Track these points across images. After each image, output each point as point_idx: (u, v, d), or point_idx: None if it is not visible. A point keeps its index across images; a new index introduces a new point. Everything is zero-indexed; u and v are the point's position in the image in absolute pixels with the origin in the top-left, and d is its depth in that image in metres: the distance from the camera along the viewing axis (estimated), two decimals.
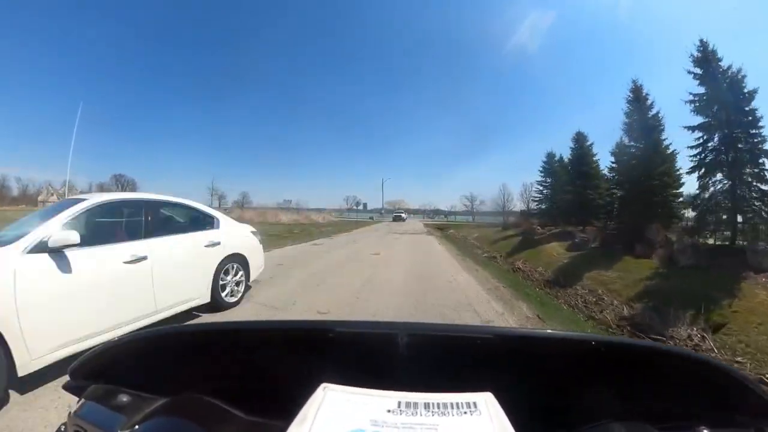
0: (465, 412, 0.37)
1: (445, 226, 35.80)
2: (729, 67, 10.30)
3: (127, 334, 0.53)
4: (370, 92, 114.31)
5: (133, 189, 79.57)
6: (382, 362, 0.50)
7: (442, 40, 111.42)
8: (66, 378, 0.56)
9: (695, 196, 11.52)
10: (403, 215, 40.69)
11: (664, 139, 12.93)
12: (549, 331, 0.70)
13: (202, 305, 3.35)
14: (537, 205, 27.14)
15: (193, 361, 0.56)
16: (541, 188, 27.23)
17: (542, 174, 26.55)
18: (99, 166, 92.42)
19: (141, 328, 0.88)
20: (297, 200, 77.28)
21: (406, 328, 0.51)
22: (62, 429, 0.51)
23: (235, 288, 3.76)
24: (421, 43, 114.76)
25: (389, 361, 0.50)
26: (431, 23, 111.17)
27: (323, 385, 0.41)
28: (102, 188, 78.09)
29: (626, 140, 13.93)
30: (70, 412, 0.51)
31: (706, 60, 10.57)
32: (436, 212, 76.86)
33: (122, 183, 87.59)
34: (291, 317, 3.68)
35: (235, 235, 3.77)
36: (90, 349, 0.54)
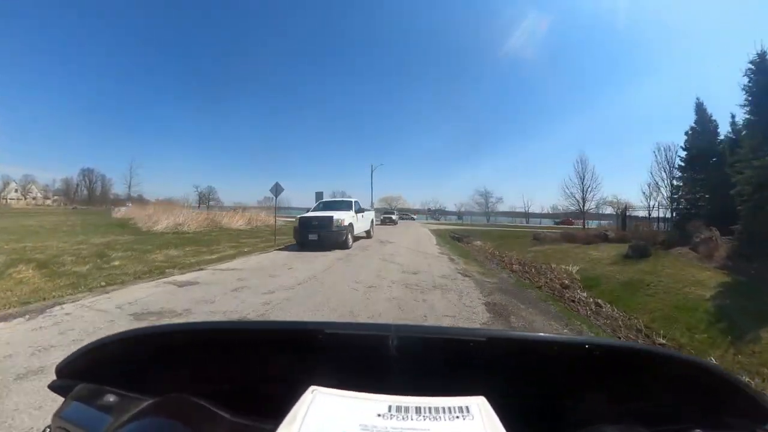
0: (457, 417, 0.39)
1: (463, 232, 24.52)
2: None
3: (115, 333, 0.61)
4: (368, 88, 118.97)
5: (104, 185, 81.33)
6: (372, 365, 0.54)
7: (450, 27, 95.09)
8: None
9: None
10: (342, 217, 12.33)
11: None
12: (542, 334, 0.74)
13: None
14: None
15: (181, 361, 0.61)
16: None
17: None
18: (68, 159, 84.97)
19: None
20: (278, 198, 64.27)
21: (398, 329, 0.54)
22: (47, 431, 0.56)
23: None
24: (427, 32, 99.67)
25: (380, 364, 0.53)
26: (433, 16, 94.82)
27: (312, 387, 0.44)
28: (68, 183, 75.78)
29: None
30: (54, 413, 0.56)
31: None
32: (442, 212, 67.15)
33: (90, 178, 75.71)
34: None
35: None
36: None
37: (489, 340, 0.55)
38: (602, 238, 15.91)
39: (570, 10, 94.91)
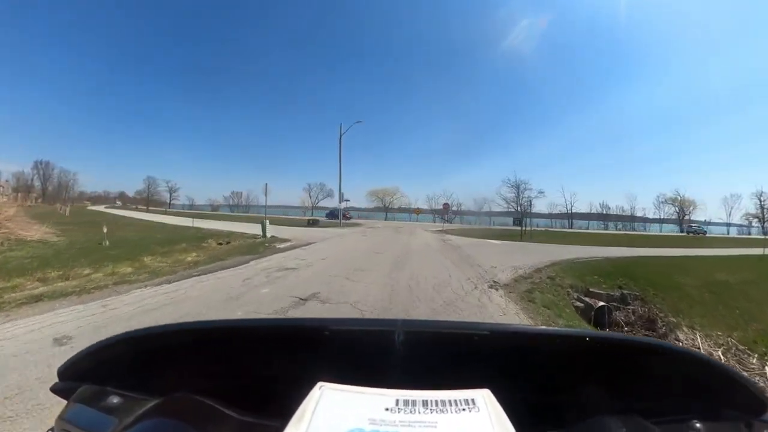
0: (463, 409, 0.40)
1: (589, 271, 9.11)
2: None
3: (118, 334, 0.60)
4: (364, 77, 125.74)
5: (61, 179, 72.72)
6: (378, 360, 0.54)
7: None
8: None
9: None
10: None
11: None
12: (543, 327, 0.72)
13: None
14: None
15: (185, 360, 0.61)
16: None
17: None
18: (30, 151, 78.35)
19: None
20: (248, 192, 62.40)
21: (403, 324, 0.56)
22: None
23: None
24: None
25: (386, 359, 0.54)
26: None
27: (319, 383, 0.45)
28: (19, 178, 68.55)
29: None
30: (57, 416, 0.55)
31: None
32: (457, 212, 52.61)
33: (45, 172, 70.22)
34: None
35: None
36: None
37: (492, 333, 0.56)
38: None
39: None
